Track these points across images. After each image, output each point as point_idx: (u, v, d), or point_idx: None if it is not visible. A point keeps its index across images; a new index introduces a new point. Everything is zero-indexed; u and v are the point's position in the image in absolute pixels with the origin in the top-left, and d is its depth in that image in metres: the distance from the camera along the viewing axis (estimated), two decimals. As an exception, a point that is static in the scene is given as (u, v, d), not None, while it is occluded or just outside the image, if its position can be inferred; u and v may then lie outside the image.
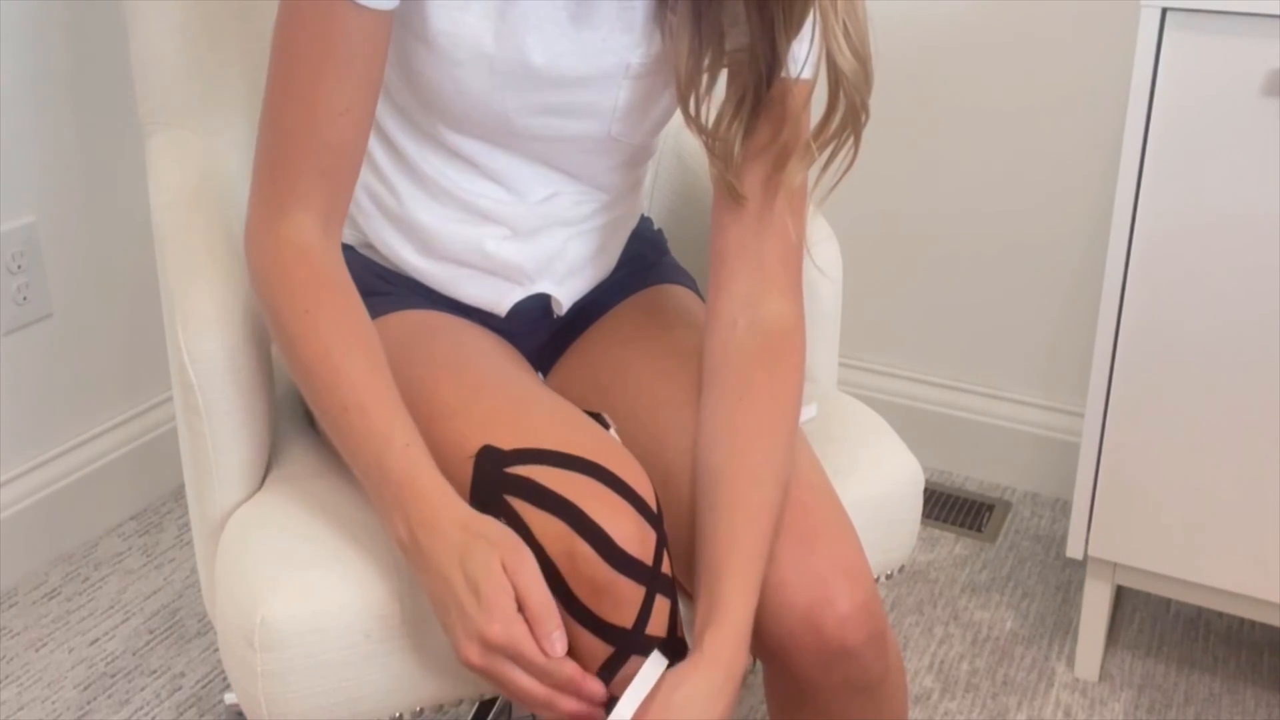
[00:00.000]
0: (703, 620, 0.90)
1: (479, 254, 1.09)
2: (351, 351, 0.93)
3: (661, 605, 0.89)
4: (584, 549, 0.86)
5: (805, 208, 1.05)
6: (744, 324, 1.02)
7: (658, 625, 0.89)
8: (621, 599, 0.87)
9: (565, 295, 1.13)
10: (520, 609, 0.84)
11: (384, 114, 1.06)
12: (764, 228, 1.03)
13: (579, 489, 0.88)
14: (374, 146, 1.08)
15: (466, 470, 0.92)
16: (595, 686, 0.87)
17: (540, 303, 1.14)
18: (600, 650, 0.88)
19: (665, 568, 0.90)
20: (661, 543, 0.90)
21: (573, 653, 0.88)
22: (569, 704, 0.87)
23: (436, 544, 0.87)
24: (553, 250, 1.11)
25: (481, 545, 0.85)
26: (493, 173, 1.07)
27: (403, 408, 0.93)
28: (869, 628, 0.94)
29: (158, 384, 1.97)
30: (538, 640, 0.84)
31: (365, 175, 1.09)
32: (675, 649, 0.91)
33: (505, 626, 0.84)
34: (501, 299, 1.11)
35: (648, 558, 0.88)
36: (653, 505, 0.91)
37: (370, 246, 1.13)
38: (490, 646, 0.84)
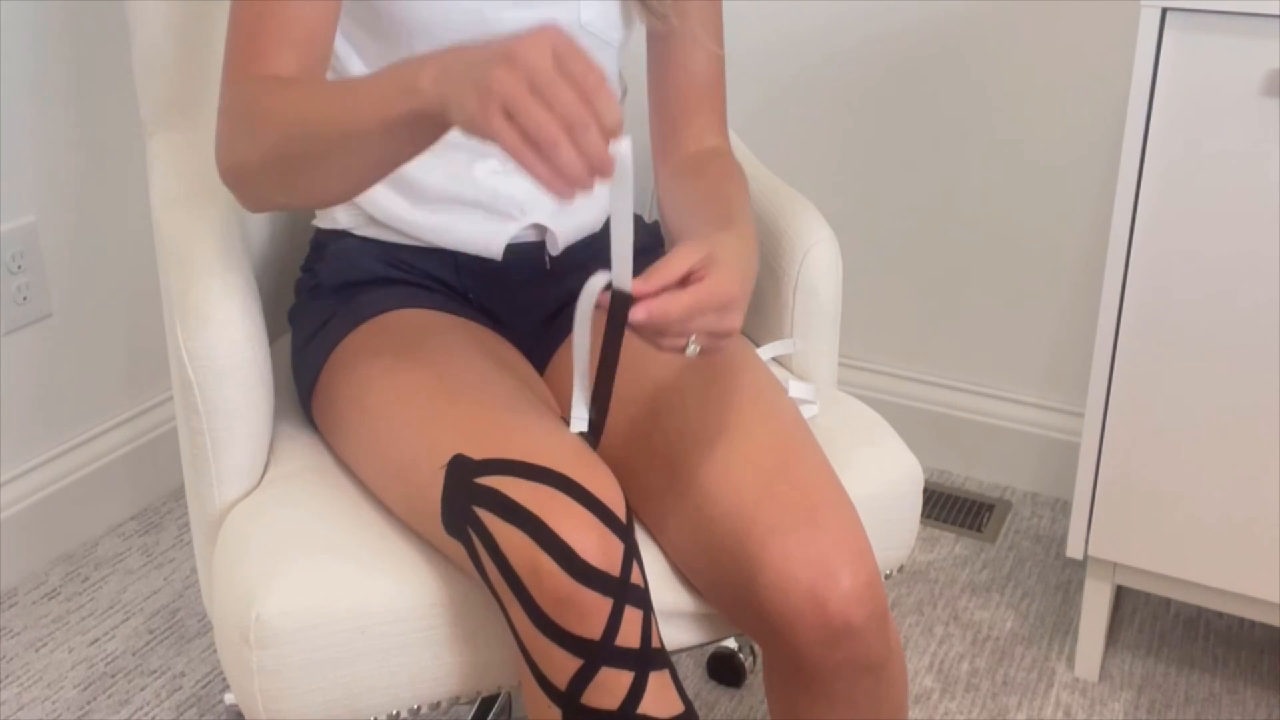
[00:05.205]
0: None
1: (470, 184, 1.11)
2: (330, 84, 0.94)
3: (632, 616, 0.88)
4: (546, 562, 0.86)
5: (721, 33, 1.20)
6: (690, 151, 1.18)
7: (629, 636, 0.88)
8: (587, 611, 0.86)
9: (559, 230, 1.14)
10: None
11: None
12: (689, 57, 1.18)
13: (544, 502, 0.88)
14: None
15: (439, 479, 0.93)
16: (611, 120, 0.75)
17: (535, 254, 1.15)
18: (569, 663, 0.87)
19: (636, 579, 0.89)
20: (630, 553, 0.89)
21: (543, 666, 0.88)
22: (567, 150, 0.74)
23: (476, 51, 0.79)
24: None
25: (529, 40, 0.76)
26: None
27: None
28: (872, 606, 0.94)
29: (158, 384, 1.97)
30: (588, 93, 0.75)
31: None
32: (653, 660, 0.89)
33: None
34: (495, 237, 1.12)
35: (614, 569, 0.87)
36: (621, 516, 0.90)
37: (371, 222, 1.14)
38: (513, 59, 0.75)
